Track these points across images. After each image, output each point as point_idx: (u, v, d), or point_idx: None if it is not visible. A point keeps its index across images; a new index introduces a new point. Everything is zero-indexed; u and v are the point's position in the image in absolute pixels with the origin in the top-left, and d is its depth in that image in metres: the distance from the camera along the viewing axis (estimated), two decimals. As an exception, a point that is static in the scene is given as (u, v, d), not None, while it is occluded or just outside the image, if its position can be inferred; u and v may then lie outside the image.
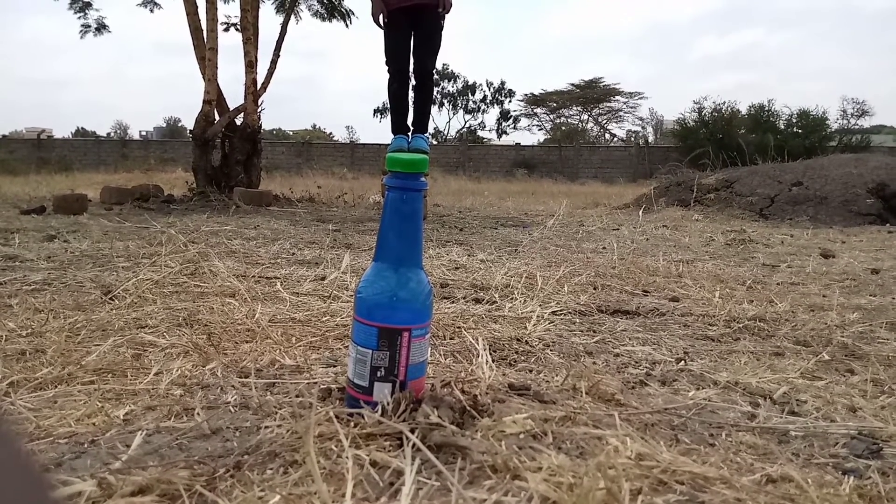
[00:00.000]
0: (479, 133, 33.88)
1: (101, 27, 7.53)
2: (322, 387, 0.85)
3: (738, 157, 7.18)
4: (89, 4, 7.42)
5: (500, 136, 34.29)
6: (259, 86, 5.81)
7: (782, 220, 4.76)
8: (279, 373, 0.94)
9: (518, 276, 1.83)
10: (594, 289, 1.76)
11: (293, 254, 2.35)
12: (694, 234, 3.54)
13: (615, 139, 31.44)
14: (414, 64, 4.01)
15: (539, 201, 7.06)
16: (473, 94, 36.26)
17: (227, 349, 1.04)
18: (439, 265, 2.13)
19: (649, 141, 27.62)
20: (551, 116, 33.21)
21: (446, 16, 4.00)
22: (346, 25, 7.63)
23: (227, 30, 6.15)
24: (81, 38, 7.47)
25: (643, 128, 33.15)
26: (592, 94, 30.88)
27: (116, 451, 0.68)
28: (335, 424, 0.69)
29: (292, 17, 6.99)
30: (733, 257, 2.63)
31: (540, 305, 1.46)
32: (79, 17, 7.42)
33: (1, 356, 0.97)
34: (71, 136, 31.02)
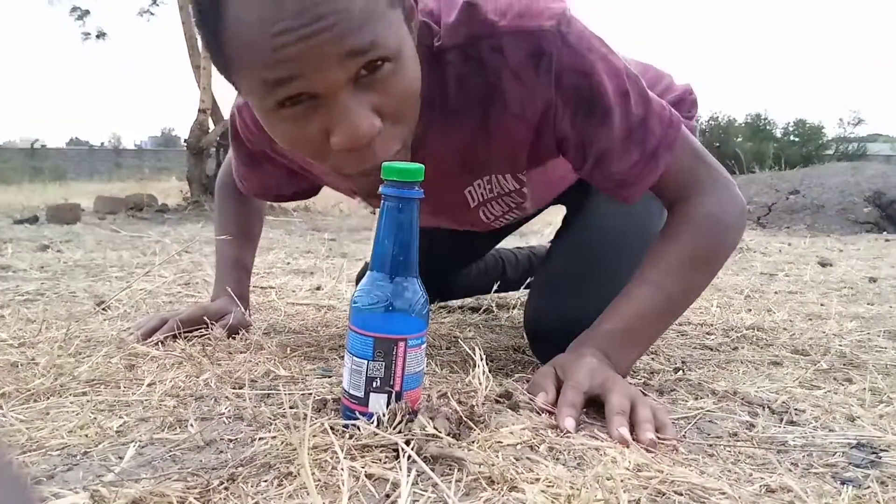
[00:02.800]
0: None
1: (100, 35, 7.55)
2: (317, 398, 0.85)
3: (735, 165, 7.20)
4: (87, 12, 7.44)
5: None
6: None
7: (780, 229, 4.77)
8: (274, 384, 0.93)
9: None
10: (591, 297, 1.75)
11: (288, 263, 2.34)
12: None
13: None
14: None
15: (535, 210, 7.06)
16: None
17: (221, 360, 1.04)
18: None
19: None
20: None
21: None
22: None
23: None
24: (83, 42, 7.48)
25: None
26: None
27: (109, 463, 0.67)
28: (330, 436, 0.69)
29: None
30: (731, 266, 2.63)
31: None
32: (80, 26, 7.44)
33: (-8, 367, 0.96)
34: (65, 146, 31.00)
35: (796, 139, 18.17)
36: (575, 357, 0.89)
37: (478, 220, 1.08)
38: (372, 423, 0.71)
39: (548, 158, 0.97)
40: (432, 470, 0.62)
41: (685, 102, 1.24)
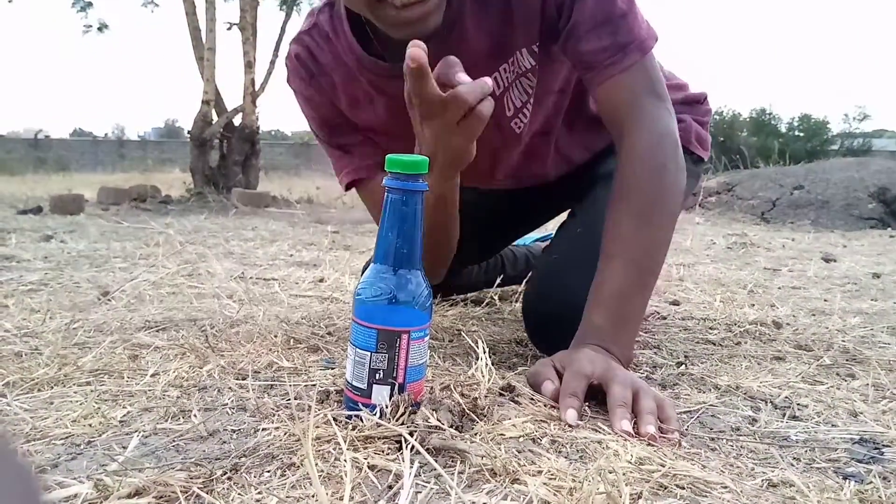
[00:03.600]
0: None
1: (102, 27, 7.55)
2: (320, 389, 0.85)
3: (739, 160, 7.18)
4: (90, 4, 7.44)
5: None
6: (258, 86, 5.81)
7: (784, 224, 4.75)
8: (277, 375, 0.94)
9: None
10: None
11: (291, 255, 2.34)
12: (695, 237, 3.54)
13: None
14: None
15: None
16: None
17: (225, 351, 1.04)
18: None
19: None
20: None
21: None
22: None
23: (229, 28, 6.14)
24: (85, 34, 7.48)
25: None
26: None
27: (113, 453, 0.67)
28: (333, 427, 0.69)
29: (294, 12, 7.00)
30: (734, 261, 2.62)
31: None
32: (82, 18, 7.44)
33: (-3, 356, 0.97)
34: (68, 137, 30.95)
35: (801, 134, 18.08)
36: (574, 351, 0.89)
37: (502, 113, 1.09)
38: (375, 414, 0.72)
39: (554, 35, 0.99)
40: (435, 461, 0.62)
41: (700, 107, 1.29)
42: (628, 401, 0.78)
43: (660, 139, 0.96)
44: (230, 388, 0.87)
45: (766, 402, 0.92)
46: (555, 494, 0.59)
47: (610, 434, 0.74)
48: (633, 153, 0.96)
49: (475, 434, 0.71)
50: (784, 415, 0.87)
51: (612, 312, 0.91)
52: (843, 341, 1.27)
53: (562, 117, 1.18)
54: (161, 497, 0.58)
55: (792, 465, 0.72)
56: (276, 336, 1.12)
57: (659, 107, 0.97)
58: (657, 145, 0.96)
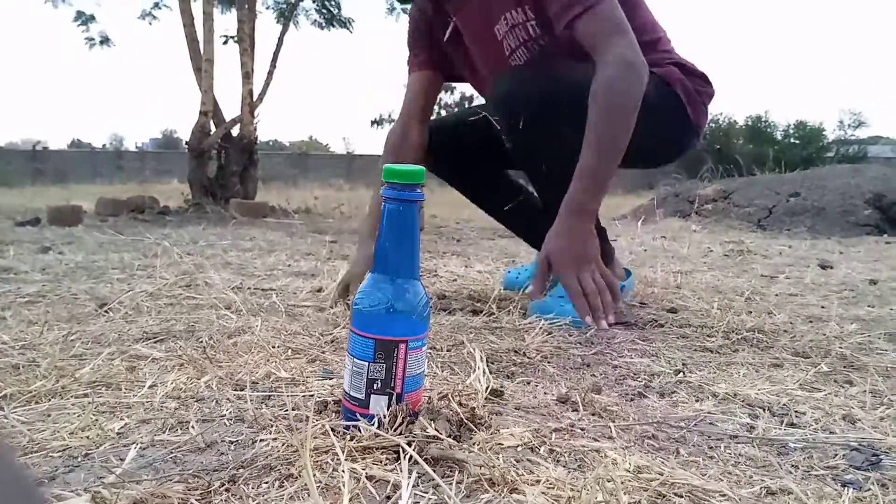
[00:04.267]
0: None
1: (104, 40, 7.57)
2: (318, 399, 0.85)
3: (735, 168, 7.20)
4: (92, 17, 7.46)
5: (497, 147, 34.15)
6: (255, 97, 5.82)
7: (780, 231, 4.76)
8: (275, 385, 0.94)
9: (515, 287, 1.82)
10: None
11: (289, 265, 2.34)
12: (692, 244, 3.55)
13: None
14: None
15: (536, 212, 7.04)
16: (471, 105, 36.32)
17: (222, 361, 1.04)
18: (437, 276, 2.12)
19: (646, 152, 27.55)
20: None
21: None
22: (350, 31, 7.72)
23: (225, 42, 6.15)
24: (90, 49, 7.49)
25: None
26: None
27: (110, 465, 0.67)
28: (331, 437, 0.69)
29: (291, 25, 7.03)
30: (731, 268, 2.63)
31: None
32: (83, 31, 7.45)
33: (-6, 369, 0.96)
34: (66, 148, 30.96)
35: (797, 142, 18.13)
36: (557, 236, 1.39)
37: (501, 54, 1.56)
38: (373, 424, 0.72)
39: None
40: (433, 471, 0.62)
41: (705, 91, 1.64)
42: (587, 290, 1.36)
43: (623, 64, 1.34)
44: (228, 399, 0.87)
45: (764, 410, 0.92)
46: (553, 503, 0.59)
47: (609, 442, 0.74)
48: (604, 71, 1.34)
49: (473, 444, 0.71)
50: (782, 422, 0.87)
51: (586, 184, 1.35)
52: (841, 348, 1.27)
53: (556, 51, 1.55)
54: (159, 509, 0.57)
55: (790, 472, 0.72)
56: (273, 346, 1.12)
57: (621, 41, 1.35)
58: (622, 68, 1.34)
